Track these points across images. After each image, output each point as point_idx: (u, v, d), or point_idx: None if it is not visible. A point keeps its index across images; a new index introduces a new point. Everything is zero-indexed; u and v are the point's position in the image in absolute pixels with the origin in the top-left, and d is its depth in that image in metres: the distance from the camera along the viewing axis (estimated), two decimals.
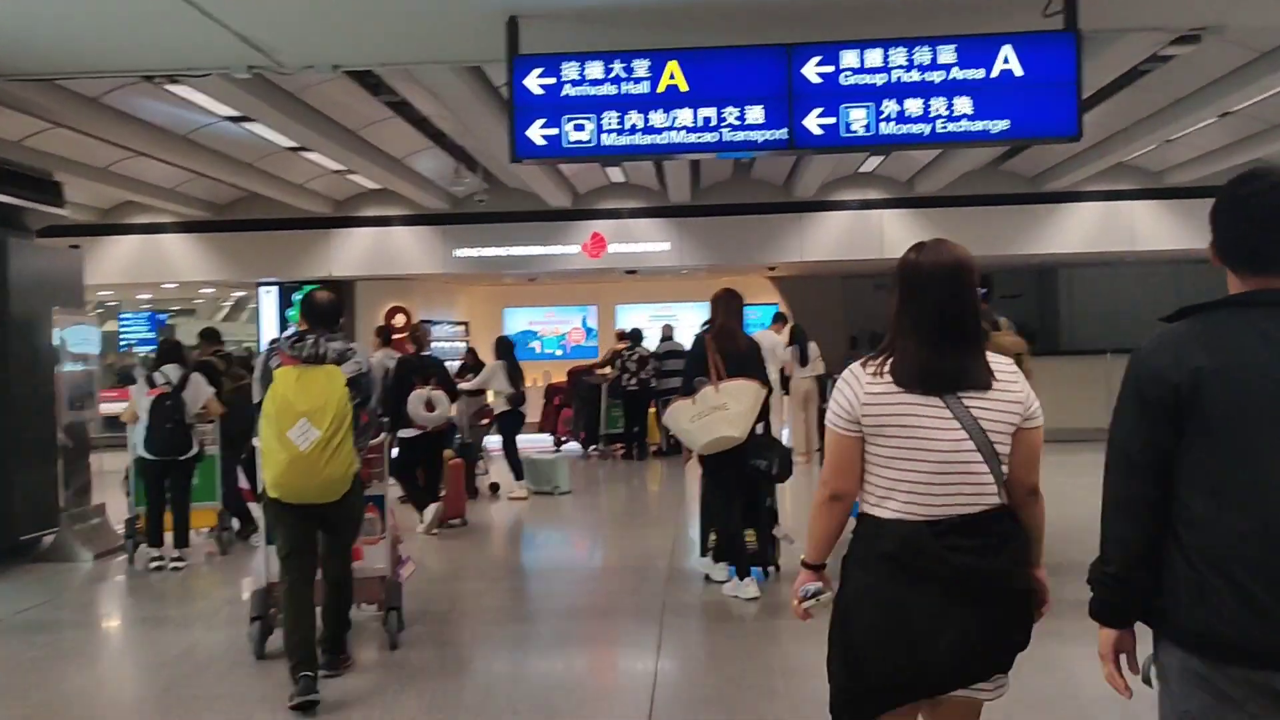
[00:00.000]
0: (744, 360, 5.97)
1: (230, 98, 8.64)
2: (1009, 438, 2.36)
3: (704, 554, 6.51)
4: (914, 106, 5.94)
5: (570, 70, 6.09)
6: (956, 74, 5.90)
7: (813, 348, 13.12)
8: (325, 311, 4.69)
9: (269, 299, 15.61)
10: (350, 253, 14.62)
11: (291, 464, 4.24)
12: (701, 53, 6.07)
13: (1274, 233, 1.96)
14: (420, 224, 14.53)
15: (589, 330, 17.81)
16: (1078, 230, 13.88)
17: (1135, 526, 2.00)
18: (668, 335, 14.73)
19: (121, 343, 31.02)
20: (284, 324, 15.51)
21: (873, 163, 13.50)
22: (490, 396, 10.45)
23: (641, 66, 6.08)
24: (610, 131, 6.09)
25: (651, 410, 14.44)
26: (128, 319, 35.04)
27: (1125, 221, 13.91)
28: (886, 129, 5.98)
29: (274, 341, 4.78)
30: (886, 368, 2.38)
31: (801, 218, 14.22)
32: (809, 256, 14.22)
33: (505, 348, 10.19)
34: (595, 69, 6.08)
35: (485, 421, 10.70)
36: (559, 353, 17.53)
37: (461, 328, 17.64)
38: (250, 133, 10.41)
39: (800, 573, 2.56)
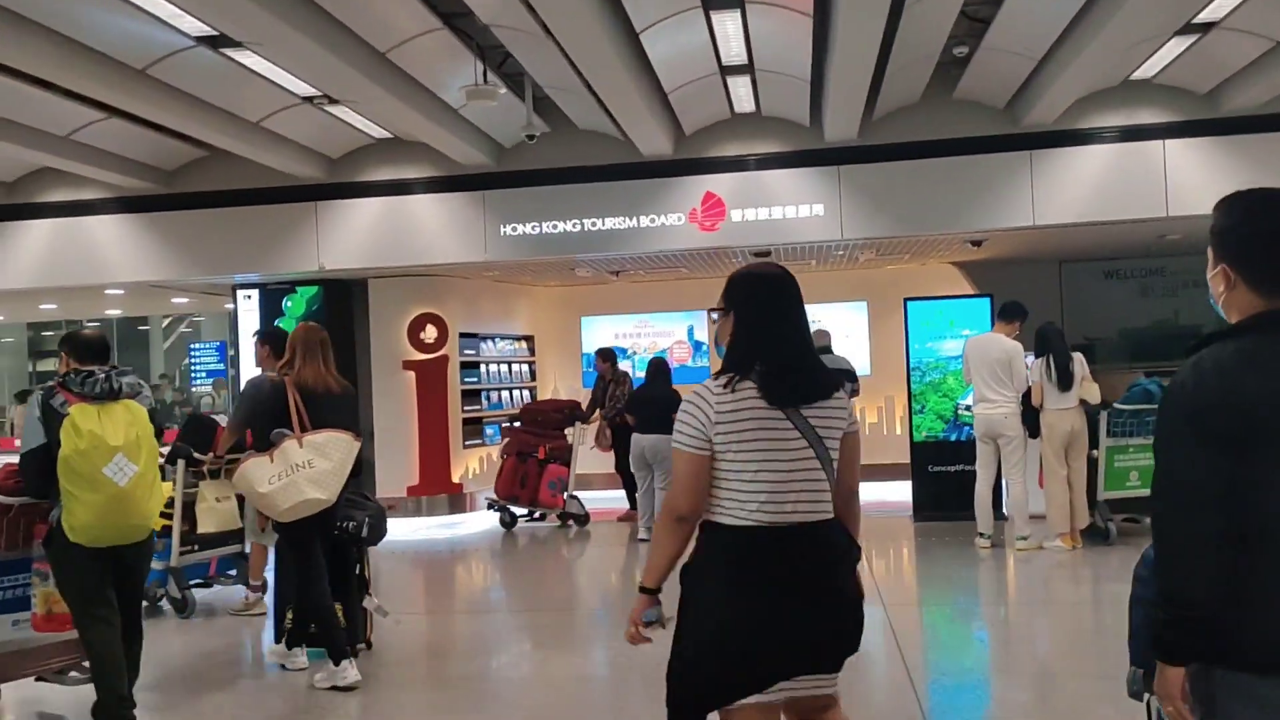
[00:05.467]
0: (334, 406, 5.18)
1: None
2: (838, 444, 2.60)
3: (279, 639, 5.55)
4: None
5: None
6: None
7: (1079, 361, 8.00)
8: (99, 348, 4.45)
9: (248, 307, 11.09)
10: (352, 234, 10.00)
11: (110, 502, 4.14)
12: None
13: None
14: (447, 189, 9.85)
15: (696, 345, 12.87)
16: None
17: (1212, 561, 1.94)
18: (823, 346, 9.81)
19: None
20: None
21: (1155, 63, 8.36)
22: None
23: None
24: None
25: None
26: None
27: None
28: None
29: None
30: (735, 384, 2.52)
31: (1033, 158, 9.10)
32: (1046, 219, 9.08)
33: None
34: None
35: None
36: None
37: (523, 344, 12.90)
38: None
39: (638, 598, 2.63)
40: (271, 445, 5.00)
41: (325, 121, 8.90)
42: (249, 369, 10.94)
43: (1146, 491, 8.38)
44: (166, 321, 26.85)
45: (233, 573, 7.22)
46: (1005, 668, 5.53)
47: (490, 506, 10.40)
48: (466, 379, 11.42)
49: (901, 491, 10.44)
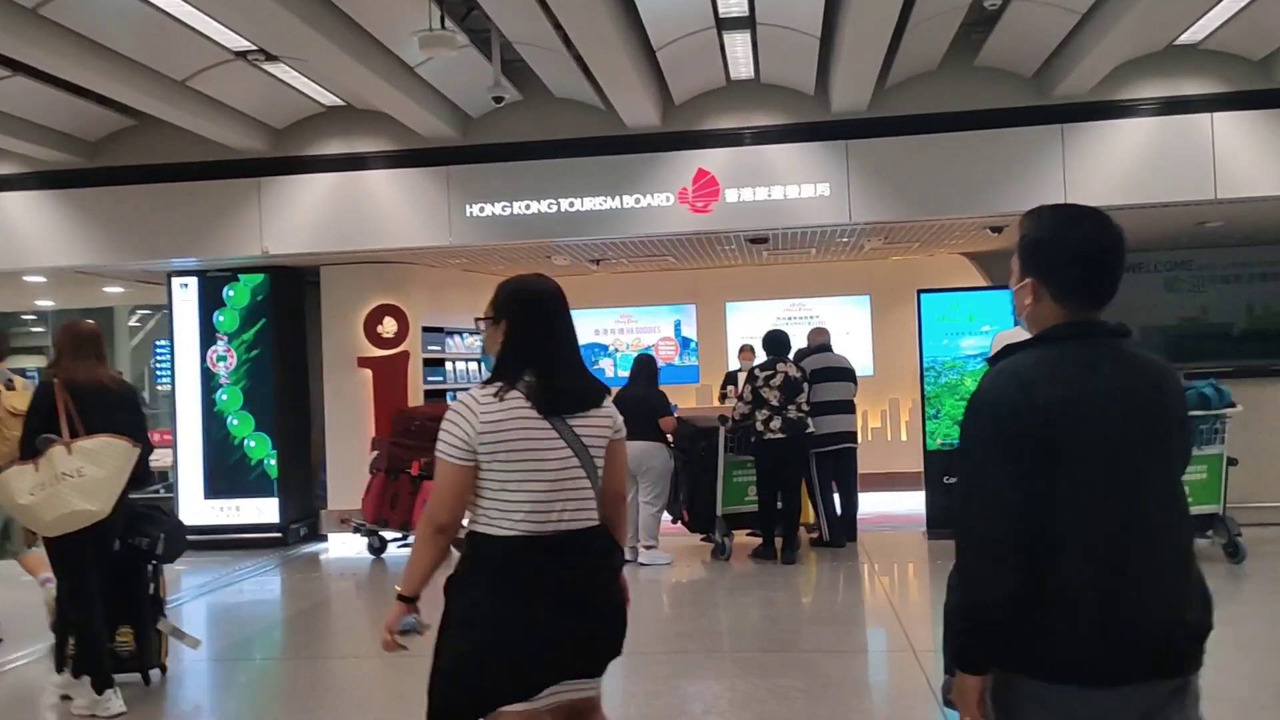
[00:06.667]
0: (110, 407, 4.81)
1: None
2: (604, 451, 2.63)
3: (61, 668, 5.05)
4: None
5: None
6: None
7: None
8: None
9: (185, 297, 9.95)
10: (300, 214, 8.91)
11: None
12: None
13: (1113, 272, 2.05)
14: (407, 164, 8.77)
15: (685, 342, 11.86)
16: None
17: (1008, 568, 1.96)
18: (821, 344, 8.87)
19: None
20: (210, 333, 9.85)
21: (1204, 26, 7.40)
22: None
23: None
24: None
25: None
26: None
27: None
28: None
29: None
30: (505, 393, 2.52)
31: (1064, 133, 8.12)
32: (1079, 201, 7.88)
33: None
34: None
35: None
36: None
37: None
38: None
39: (395, 606, 2.60)
40: (37, 452, 4.65)
41: (267, 84, 7.81)
42: (184, 368, 9.87)
43: (1206, 508, 7.48)
44: (135, 318, 25.45)
45: None
46: None
47: (356, 530, 9.12)
48: (430, 378, 10.32)
49: (909, 503, 9.51)
